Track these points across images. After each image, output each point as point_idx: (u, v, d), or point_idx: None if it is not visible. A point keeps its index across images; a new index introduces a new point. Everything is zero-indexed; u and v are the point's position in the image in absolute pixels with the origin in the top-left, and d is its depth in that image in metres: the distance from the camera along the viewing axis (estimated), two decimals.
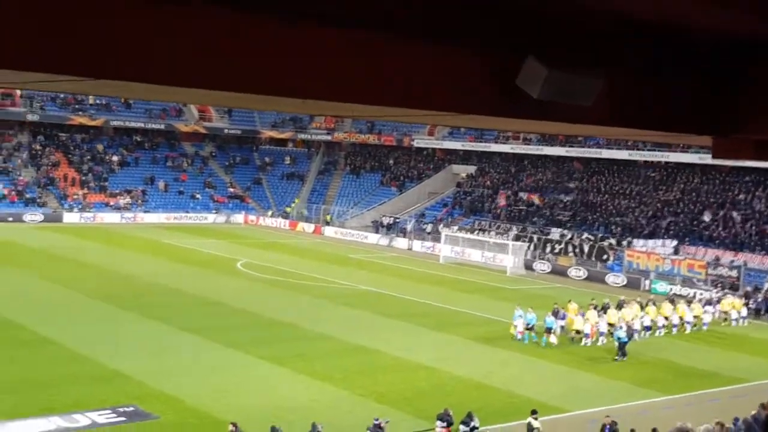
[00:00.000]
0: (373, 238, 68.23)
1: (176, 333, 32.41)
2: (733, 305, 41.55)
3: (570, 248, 56.58)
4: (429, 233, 65.33)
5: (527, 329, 33.64)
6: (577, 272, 54.48)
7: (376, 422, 19.92)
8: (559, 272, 54.66)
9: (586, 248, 55.95)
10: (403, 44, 3.44)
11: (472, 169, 77.16)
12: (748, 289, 46.42)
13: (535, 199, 68.14)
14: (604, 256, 54.81)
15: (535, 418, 21.03)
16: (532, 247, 57.58)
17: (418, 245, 64.23)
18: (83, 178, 74.58)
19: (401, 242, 65.78)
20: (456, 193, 74.49)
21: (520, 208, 67.55)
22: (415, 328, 35.72)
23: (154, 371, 26.82)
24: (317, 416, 21.01)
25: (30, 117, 74.95)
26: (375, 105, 3.63)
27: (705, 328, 38.83)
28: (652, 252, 53.84)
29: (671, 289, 49.05)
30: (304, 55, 3.23)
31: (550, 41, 3.55)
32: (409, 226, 68.15)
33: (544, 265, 55.99)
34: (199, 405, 23.89)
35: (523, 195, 69.47)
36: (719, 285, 48.48)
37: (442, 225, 65.32)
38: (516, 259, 55.46)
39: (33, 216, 67.47)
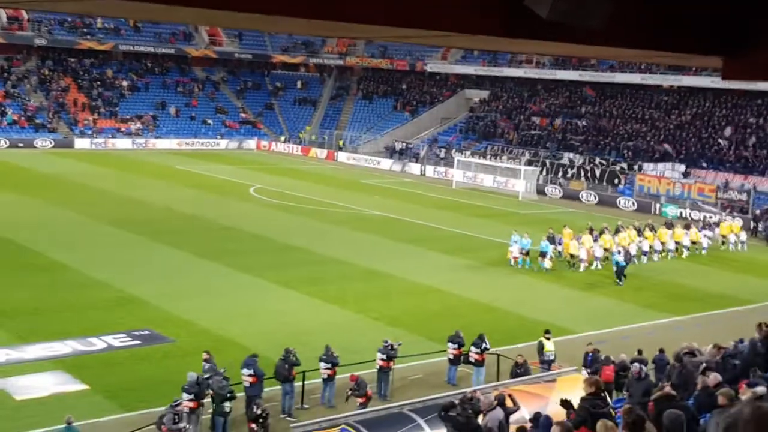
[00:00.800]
0: (385, 163, 68.16)
1: (190, 258, 32.73)
2: (731, 229, 41.08)
3: (581, 173, 56.44)
4: (442, 159, 65.17)
5: (522, 254, 33.63)
6: (589, 196, 54.44)
7: (386, 344, 20.20)
8: (571, 197, 54.65)
9: (597, 173, 55.82)
10: None
11: (485, 93, 76.52)
12: (758, 212, 46.33)
13: (547, 123, 67.67)
14: (615, 181, 54.71)
15: (548, 338, 21.18)
16: (544, 171, 57.47)
17: (430, 170, 64.17)
18: (93, 103, 74.38)
19: (414, 168, 65.70)
20: (469, 118, 74.03)
21: (533, 133, 67.16)
22: (426, 252, 35.93)
23: (169, 296, 27.19)
24: (330, 339, 21.33)
25: (38, 41, 74.43)
26: (384, 25, 3.61)
27: (704, 252, 38.56)
28: (662, 176, 53.69)
29: (681, 213, 49.08)
30: None
31: None
32: (422, 152, 67.99)
33: (556, 190, 55.95)
34: (213, 328, 24.27)
35: (536, 119, 69.01)
36: (729, 208, 48.45)
37: (454, 150, 65.10)
38: (528, 183, 55.42)
39: (44, 142, 67.58)
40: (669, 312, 28.87)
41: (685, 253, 37.82)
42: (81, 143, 69.15)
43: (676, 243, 37.80)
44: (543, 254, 33.56)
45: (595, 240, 35.14)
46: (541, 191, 55.61)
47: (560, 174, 57.22)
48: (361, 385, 18.42)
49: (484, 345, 20.95)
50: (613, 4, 3.64)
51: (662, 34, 3.91)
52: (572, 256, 34.27)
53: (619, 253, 33.03)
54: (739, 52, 4.09)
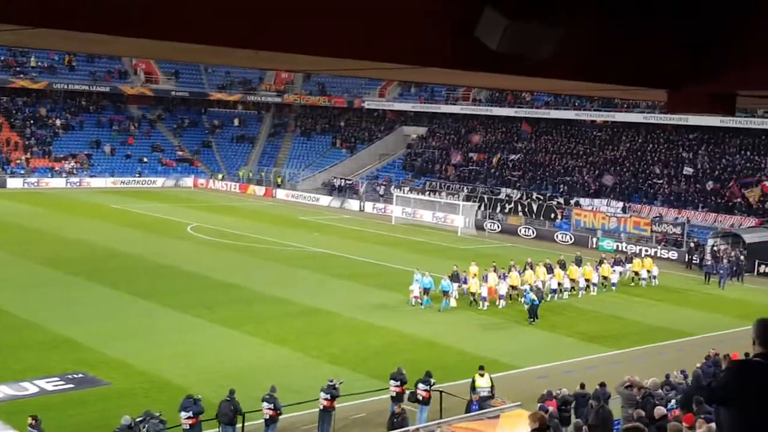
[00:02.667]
0: (324, 200, 68.08)
1: (126, 298, 32.06)
2: (643, 264, 40.52)
3: (519, 208, 57.09)
4: (382, 195, 65.33)
5: (422, 293, 32.81)
6: (527, 231, 55.03)
7: (330, 383, 19.95)
8: (510, 231, 55.16)
9: (534, 207, 56.52)
10: None
11: (422, 130, 77.16)
12: (692, 245, 47.34)
13: (484, 159, 68.43)
14: (552, 215, 55.44)
15: (482, 374, 21.10)
16: (482, 207, 57.98)
17: (370, 207, 64.27)
18: (26, 142, 72.93)
19: (353, 204, 65.74)
20: (407, 155, 74.48)
21: (470, 168, 67.83)
22: (366, 288, 35.80)
23: (104, 337, 26.53)
24: (272, 378, 21.00)
25: None
26: (329, 57, 3.52)
27: (614, 288, 37.95)
28: (598, 210, 54.66)
29: (617, 246, 49.89)
30: (257, 3, 3.11)
31: None
32: (361, 188, 68.09)
33: (494, 225, 56.44)
34: (150, 369, 23.72)
35: (473, 155, 69.74)
36: (663, 242, 49.48)
37: (393, 186, 65.35)
38: (467, 219, 55.82)
39: None
40: (610, 346, 29.13)
41: (593, 290, 36.96)
42: (13, 183, 67.62)
43: (587, 280, 36.96)
44: (445, 293, 32.80)
45: (503, 278, 34.38)
46: (479, 226, 56.03)
47: (498, 209, 57.78)
48: None
49: (432, 381, 20.84)
50: (562, 36, 3.62)
51: (611, 66, 3.91)
52: (472, 294, 33.44)
53: (530, 290, 32.12)
54: (684, 86, 4.11)
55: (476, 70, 3.83)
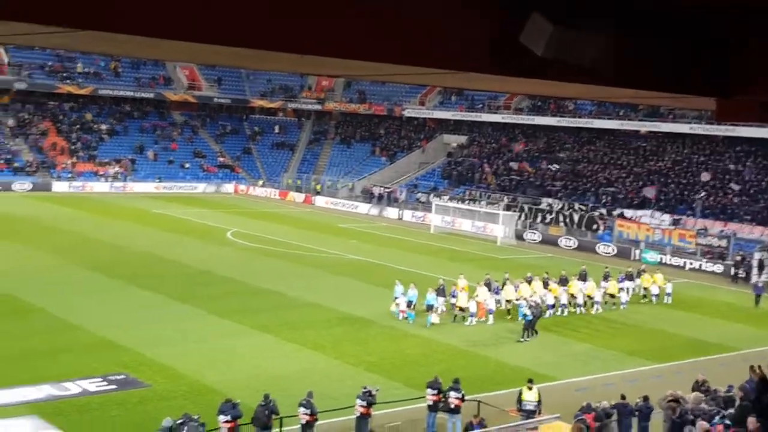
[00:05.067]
0: (363, 208, 68.17)
1: (167, 302, 32.35)
2: (654, 280, 38.03)
3: (560, 218, 56.67)
4: (422, 203, 65.24)
5: (408, 308, 31.26)
6: (568, 242, 54.59)
7: (365, 390, 19.93)
8: (550, 242, 54.76)
9: (576, 218, 56.05)
10: None
11: (463, 139, 76.97)
12: (737, 258, 46.60)
13: (526, 168, 68.09)
14: (594, 226, 54.93)
15: (530, 387, 20.66)
16: (522, 216, 57.65)
17: (408, 215, 64.22)
18: (72, 147, 74.07)
19: (392, 212, 65.75)
20: (447, 163, 74.35)
21: (511, 177, 67.50)
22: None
23: (145, 340, 26.79)
24: (308, 384, 21.04)
25: (18, 85, 74.25)
26: (373, 61, 3.52)
27: (624, 307, 35.63)
28: (642, 222, 54.04)
29: (661, 259, 49.28)
30: (303, 7, 3.12)
31: None
32: (401, 196, 68.11)
33: (534, 235, 56.08)
34: (189, 373, 23.89)
35: (514, 165, 69.41)
36: (708, 254, 48.74)
37: (432, 195, 65.25)
38: (506, 228, 55.49)
39: (22, 185, 67.08)
40: (651, 359, 28.75)
41: (597, 308, 34.85)
42: (59, 186, 68.68)
43: (589, 297, 34.93)
44: (429, 307, 31.13)
45: (497, 291, 33.08)
46: (519, 236, 55.69)
47: (539, 219, 57.40)
48: None
49: (462, 391, 20.71)
50: (608, 42, 3.58)
51: (658, 73, 3.85)
52: (461, 309, 31.78)
53: (523, 306, 30.61)
54: (734, 94, 4.04)
55: (520, 76, 3.80)
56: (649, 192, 58.53)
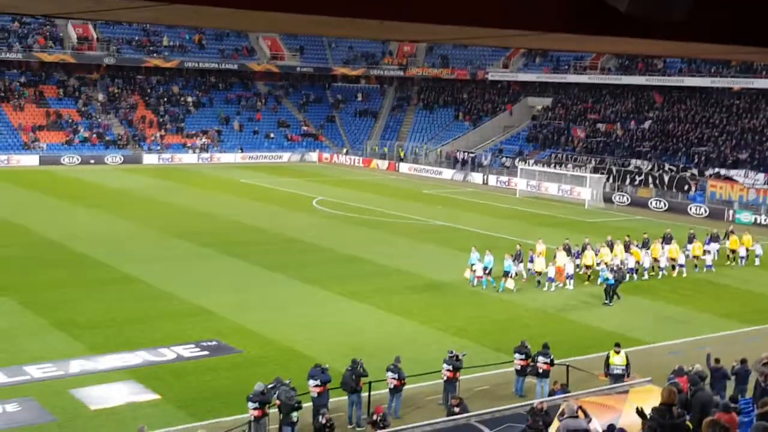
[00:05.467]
0: (447, 173, 67.98)
1: (255, 269, 32.98)
2: (743, 242, 36.40)
3: (650, 179, 55.48)
4: (507, 167, 64.68)
5: (486, 274, 30.80)
6: (658, 204, 53.45)
7: (451, 354, 20.01)
8: (639, 204, 53.73)
9: (666, 179, 54.80)
10: None
11: (548, 101, 75.80)
12: None
13: (614, 129, 66.71)
14: (685, 187, 53.63)
15: (617, 351, 20.57)
16: (610, 179, 56.65)
17: (493, 180, 63.79)
18: (160, 119, 75.78)
19: (476, 177, 65.40)
20: (532, 127, 73.41)
21: (598, 139, 66.26)
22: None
23: (236, 306, 27.41)
24: (396, 350, 21.25)
25: (107, 60, 76.17)
26: (453, 24, 3.49)
27: (710, 269, 34.59)
28: (735, 182, 52.47)
29: (756, 219, 47.88)
30: None
31: None
32: (486, 161, 67.66)
33: (623, 197, 55.08)
34: (279, 339, 24.37)
35: (601, 126, 68.08)
36: None
37: (517, 159, 64.59)
38: (594, 191, 54.63)
39: (114, 158, 69.05)
40: (748, 322, 28.05)
41: (678, 270, 33.85)
42: (149, 159, 70.46)
43: (672, 260, 33.97)
44: (506, 273, 30.69)
45: (577, 256, 32.48)
46: (608, 199, 54.77)
47: (627, 181, 56.32)
48: (385, 419, 17.79)
49: (551, 354, 20.63)
50: None
51: (749, 27, 3.72)
52: (539, 273, 31.41)
53: (605, 270, 30.13)
54: None
55: (604, 35, 3.73)
56: (743, 151, 56.72)
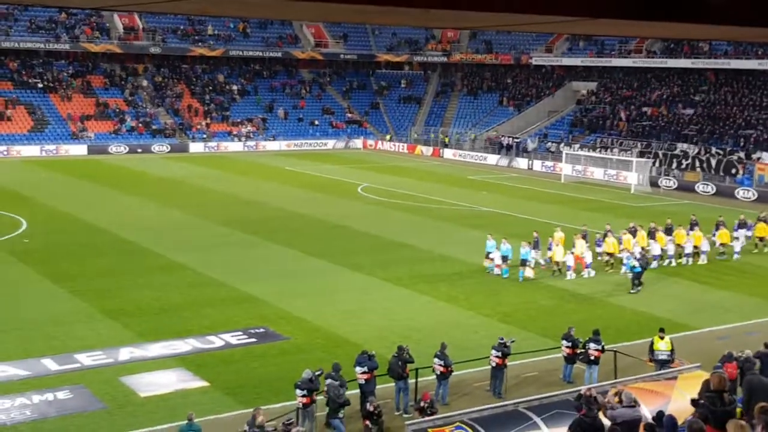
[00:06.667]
0: (492, 159, 67.67)
1: (302, 256, 33.19)
2: None
3: (697, 163, 54.68)
4: (552, 152, 64.19)
5: (503, 261, 30.35)
6: (705, 188, 52.68)
7: (501, 341, 20.00)
8: (686, 188, 53.01)
9: (713, 163, 53.96)
10: None
11: (592, 85, 74.99)
12: None
13: (660, 113, 65.79)
14: (733, 170, 52.76)
15: (662, 337, 20.40)
16: (657, 163, 55.95)
17: (538, 165, 63.37)
18: (206, 108, 76.47)
19: (521, 162, 65.02)
20: (576, 111, 72.71)
21: (644, 123, 65.42)
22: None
23: (282, 293, 27.62)
24: (442, 336, 21.26)
25: (153, 50, 77.01)
26: (497, 12, 3.50)
27: (737, 257, 33.73)
28: None
29: None
30: None
31: None
32: (531, 146, 67.22)
33: (670, 182, 54.37)
34: (326, 326, 24.52)
35: (647, 110, 67.20)
36: None
37: (563, 144, 64.05)
38: (640, 175, 54.02)
39: (160, 147, 69.89)
40: None
41: (702, 258, 33.11)
42: (195, 147, 71.19)
43: (695, 247, 33.16)
44: (523, 262, 30.18)
45: (598, 244, 32.10)
46: (654, 183, 54.13)
47: (674, 165, 55.58)
48: (433, 406, 17.80)
49: (601, 341, 20.51)
50: None
51: None
52: (557, 263, 30.73)
53: (629, 257, 29.65)
54: None
55: (649, 20, 3.71)
56: None
